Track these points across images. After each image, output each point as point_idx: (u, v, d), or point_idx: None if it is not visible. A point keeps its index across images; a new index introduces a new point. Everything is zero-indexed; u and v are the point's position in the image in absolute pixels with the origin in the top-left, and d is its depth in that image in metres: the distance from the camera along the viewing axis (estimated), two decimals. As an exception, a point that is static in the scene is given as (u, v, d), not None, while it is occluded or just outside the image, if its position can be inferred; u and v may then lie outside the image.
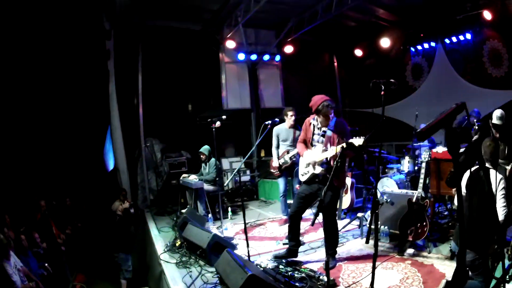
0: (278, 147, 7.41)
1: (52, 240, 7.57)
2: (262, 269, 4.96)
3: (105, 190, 9.85)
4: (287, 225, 7.40)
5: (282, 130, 7.34)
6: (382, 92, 3.27)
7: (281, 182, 7.53)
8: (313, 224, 3.42)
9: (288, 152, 7.25)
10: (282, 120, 7.29)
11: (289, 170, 7.40)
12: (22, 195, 8.17)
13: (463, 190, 3.96)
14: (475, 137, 2.63)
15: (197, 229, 5.93)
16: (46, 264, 6.81)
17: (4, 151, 8.55)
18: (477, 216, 3.72)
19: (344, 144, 4.88)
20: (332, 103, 5.06)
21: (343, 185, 7.10)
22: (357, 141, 5.84)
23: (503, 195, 3.75)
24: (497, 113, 5.65)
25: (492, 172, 3.80)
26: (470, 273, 3.78)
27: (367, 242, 3.48)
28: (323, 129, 5.17)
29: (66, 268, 7.51)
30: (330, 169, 4.89)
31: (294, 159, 7.16)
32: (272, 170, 7.66)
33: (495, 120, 5.58)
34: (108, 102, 9.81)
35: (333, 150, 4.87)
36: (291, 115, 7.28)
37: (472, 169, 3.98)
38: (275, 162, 7.39)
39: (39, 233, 7.18)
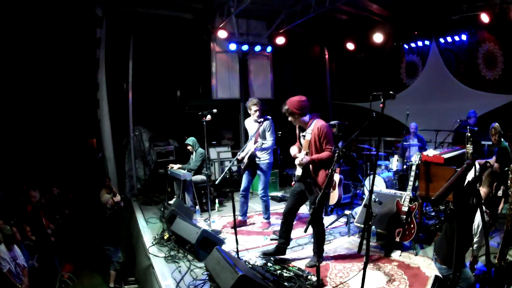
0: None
1: (42, 232, 7.41)
2: (250, 266, 4.99)
3: (93, 177, 9.74)
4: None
5: (247, 123, 6.82)
6: (381, 105, 3.26)
7: (243, 179, 6.98)
8: (305, 231, 3.45)
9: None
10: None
11: (251, 168, 6.86)
12: (10, 185, 7.94)
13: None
14: (471, 178, 2.64)
15: (186, 223, 5.92)
16: (36, 256, 6.75)
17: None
18: (452, 237, 3.75)
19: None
20: (286, 106, 4.91)
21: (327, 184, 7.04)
22: None
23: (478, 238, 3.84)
24: None
25: (478, 214, 3.80)
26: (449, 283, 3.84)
27: (359, 252, 3.50)
28: (303, 133, 5.11)
29: (55, 259, 7.43)
30: (307, 171, 4.96)
31: (256, 159, 6.68)
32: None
33: None
34: (97, 90, 9.66)
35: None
36: (255, 110, 6.48)
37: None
38: (239, 154, 6.63)
39: (30, 225, 7.00)
